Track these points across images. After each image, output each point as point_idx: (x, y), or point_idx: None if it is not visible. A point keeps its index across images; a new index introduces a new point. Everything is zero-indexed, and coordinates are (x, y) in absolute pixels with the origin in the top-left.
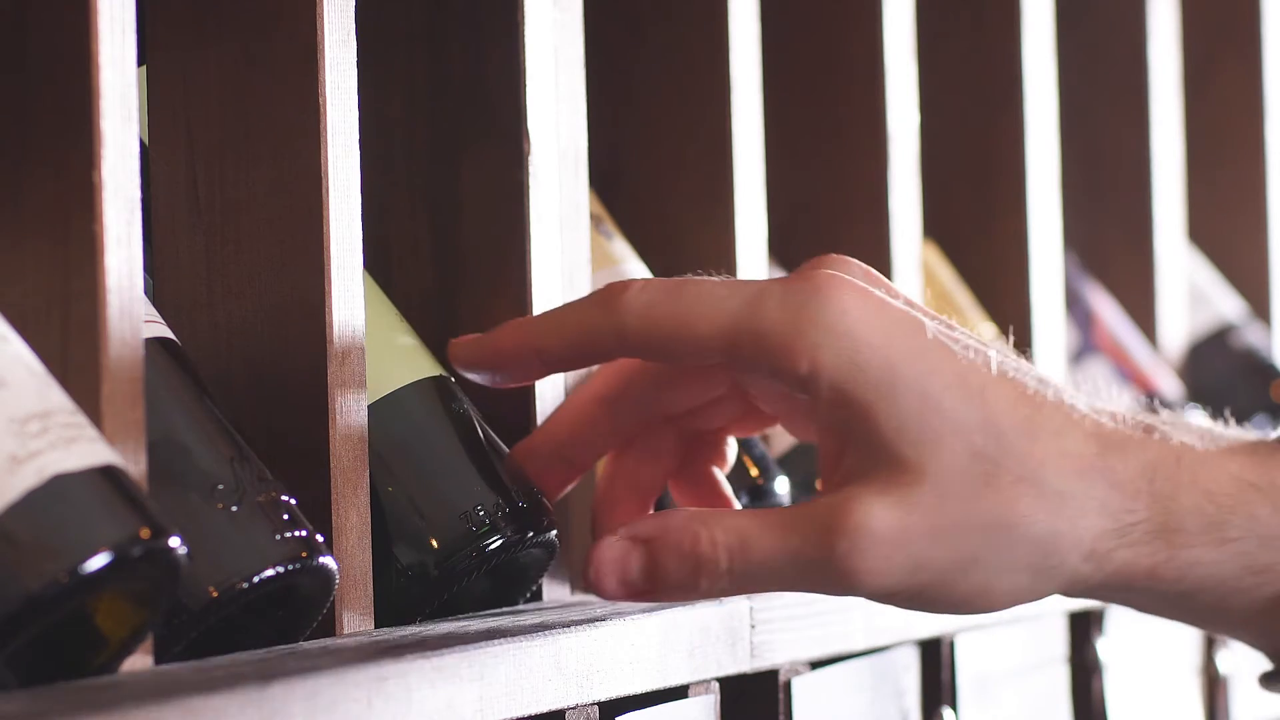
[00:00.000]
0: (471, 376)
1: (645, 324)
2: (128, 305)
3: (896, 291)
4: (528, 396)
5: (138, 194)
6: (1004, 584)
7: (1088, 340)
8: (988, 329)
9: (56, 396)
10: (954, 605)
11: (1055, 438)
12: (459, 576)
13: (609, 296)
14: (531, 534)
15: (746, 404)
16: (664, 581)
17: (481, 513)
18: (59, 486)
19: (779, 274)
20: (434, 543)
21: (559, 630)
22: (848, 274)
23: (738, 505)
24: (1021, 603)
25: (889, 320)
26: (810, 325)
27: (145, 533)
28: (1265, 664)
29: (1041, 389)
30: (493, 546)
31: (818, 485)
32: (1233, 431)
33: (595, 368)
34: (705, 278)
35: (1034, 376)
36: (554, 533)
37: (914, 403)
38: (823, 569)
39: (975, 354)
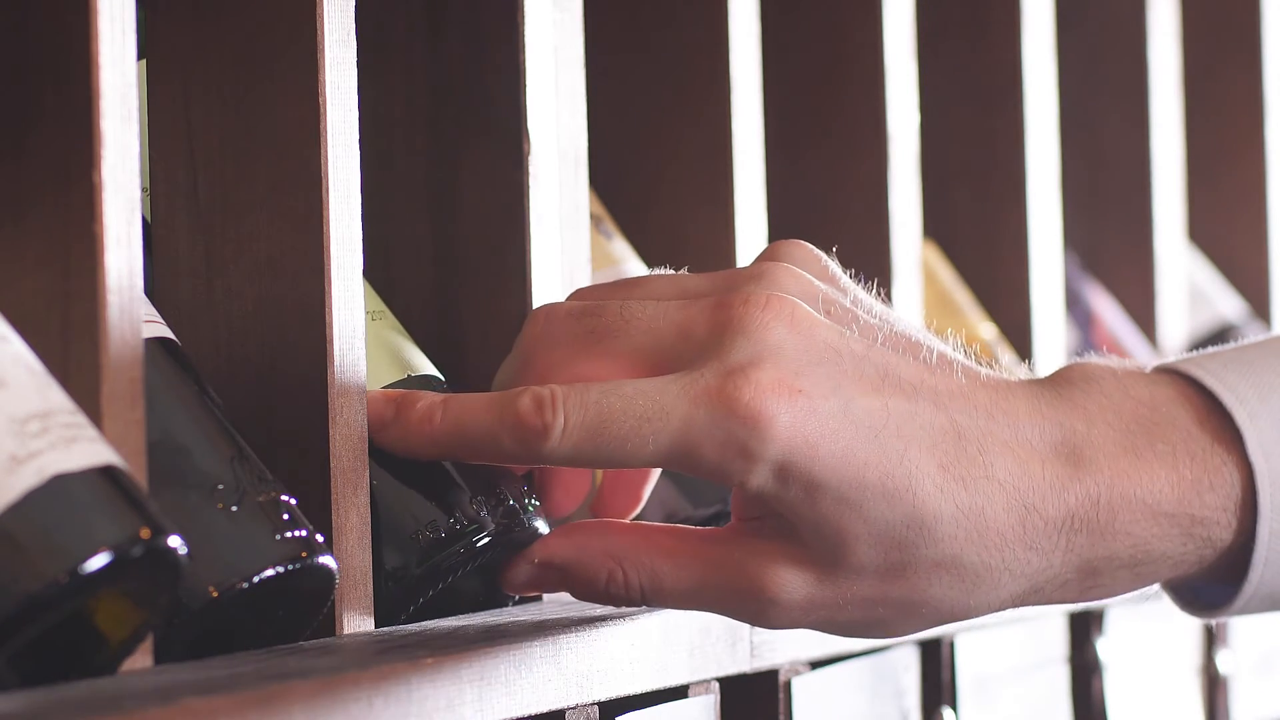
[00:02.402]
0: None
1: (572, 463)
2: (128, 305)
3: (845, 288)
4: None
5: (138, 194)
6: (905, 632)
7: (1088, 340)
8: (988, 329)
9: (56, 396)
10: (855, 638)
11: (978, 517)
12: (446, 573)
13: (527, 436)
14: (519, 531)
15: None
16: (577, 598)
17: (471, 509)
18: (59, 486)
19: None
20: (422, 538)
21: (559, 630)
22: (794, 277)
23: (643, 503)
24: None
25: (819, 431)
26: (738, 456)
27: (145, 533)
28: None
29: (968, 449)
30: (481, 543)
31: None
32: (1158, 405)
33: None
34: (630, 387)
35: (961, 431)
36: (544, 529)
37: (832, 509)
38: (733, 614)
39: (908, 419)
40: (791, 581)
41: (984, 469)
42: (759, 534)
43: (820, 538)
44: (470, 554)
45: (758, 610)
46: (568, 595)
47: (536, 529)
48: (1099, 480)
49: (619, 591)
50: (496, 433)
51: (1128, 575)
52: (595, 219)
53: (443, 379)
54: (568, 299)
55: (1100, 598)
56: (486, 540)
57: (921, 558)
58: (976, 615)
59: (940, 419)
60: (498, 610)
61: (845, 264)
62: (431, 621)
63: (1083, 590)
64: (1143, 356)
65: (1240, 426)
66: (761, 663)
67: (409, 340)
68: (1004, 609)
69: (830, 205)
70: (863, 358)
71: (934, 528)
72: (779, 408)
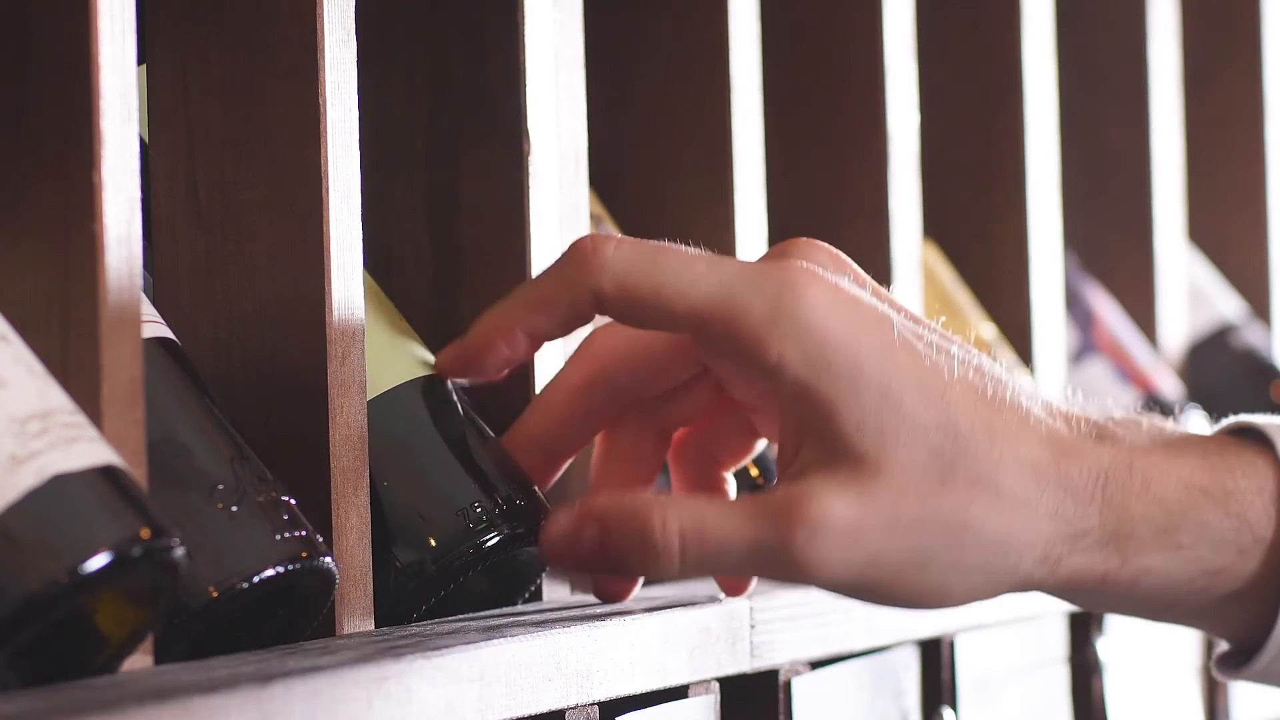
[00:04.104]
0: (468, 380)
1: (621, 290)
2: (128, 305)
3: (864, 279)
4: (526, 392)
5: (138, 194)
6: (959, 583)
7: (1088, 340)
8: (988, 329)
9: (56, 396)
10: (907, 601)
11: (1012, 442)
12: (456, 573)
13: (584, 256)
14: (529, 531)
15: (718, 391)
16: (614, 560)
17: (479, 510)
18: (59, 486)
19: None
20: (431, 540)
21: (559, 630)
22: (817, 261)
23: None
24: (975, 600)
25: (858, 317)
26: (781, 318)
27: (145, 533)
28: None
29: (1000, 392)
30: (490, 544)
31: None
32: (1183, 429)
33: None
34: (682, 247)
35: (993, 378)
36: None
37: (875, 400)
38: (779, 557)
39: (938, 353)
40: (834, 503)
41: (1016, 410)
42: (800, 474)
43: (863, 433)
44: (480, 554)
45: (805, 540)
46: (569, 595)
47: None
48: (1131, 450)
49: (656, 538)
50: (555, 270)
51: (1169, 545)
52: (595, 219)
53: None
54: None
55: (1145, 577)
56: (498, 539)
57: (959, 471)
58: (1019, 553)
59: (973, 358)
60: (498, 610)
61: None
62: (431, 621)
63: (1124, 559)
64: (1143, 357)
65: (1271, 437)
66: (761, 663)
67: (418, 340)
68: (1048, 553)
69: (830, 205)
70: (892, 307)
71: (968, 438)
72: (824, 294)
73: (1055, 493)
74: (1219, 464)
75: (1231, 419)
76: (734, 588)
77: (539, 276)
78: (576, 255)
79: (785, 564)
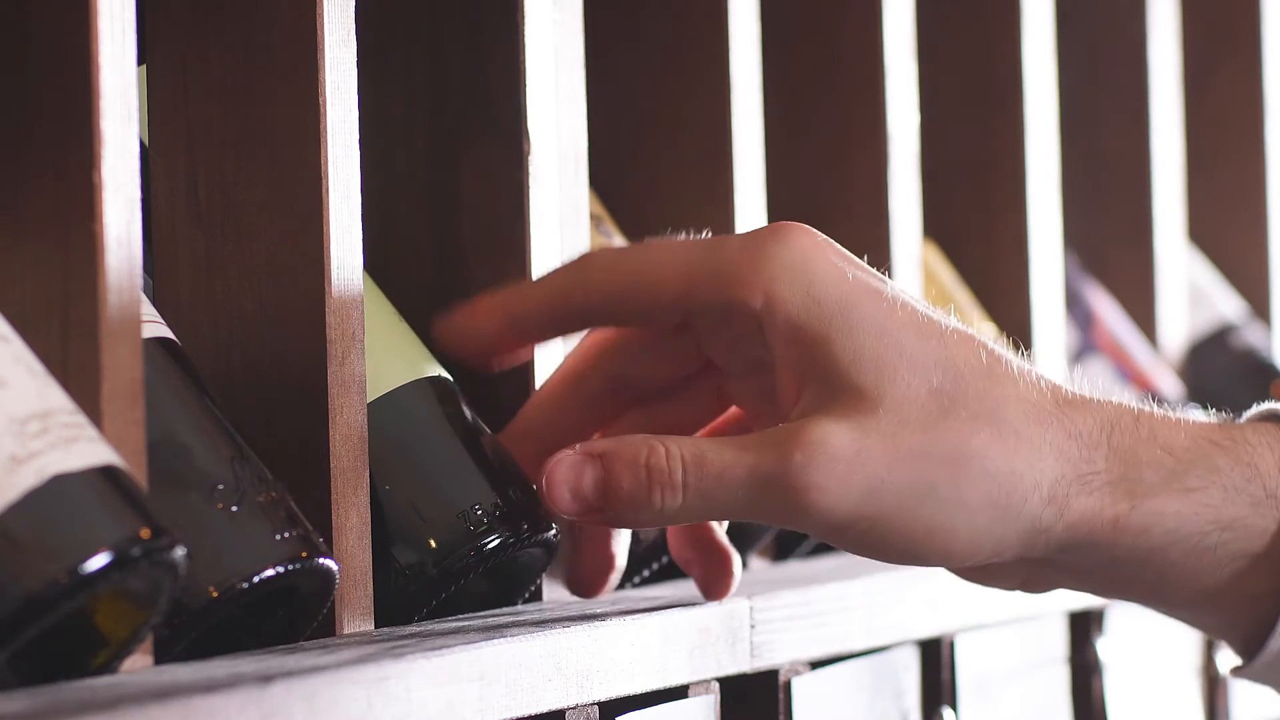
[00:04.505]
0: (462, 360)
1: (610, 275)
2: (128, 305)
3: (858, 262)
4: (526, 392)
5: (138, 194)
6: (964, 523)
7: (1088, 340)
8: (988, 329)
9: (56, 396)
10: (909, 545)
11: (1013, 386)
12: (457, 576)
13: (579, 256)
14: (529, 533)
15: (720, 397)
16: (617, 494)
17: (479, 512)
18: (59, 486)
19: None
20: (432, 542)
21: (559, 630)
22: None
23: (738, 559)
24: (982, 553)
25: (847, 265)
26: (766, 260)
27: (145, 533)
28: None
29: (997, 349)
30: (491, 546)
31: None
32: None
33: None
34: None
35: (990, 341)
36: (553, 532)
37: (871, 337)
38: (777, 484)
39: (933, 312)
40: (833, 430)
41: (1016, 363)
42: (801, 415)
43: (859, 366)
44: (480, 556)
45: (803, 462)
46: (568, 595)
47: (552, 537)
48: (1136, 409)
49: (660, 464)
50: (554, 269)
51: (1179, 488)
52: (595, 219)
53: (450, 378)
54: None
55: (1157, 523)
56: (498, 541)
57: (959, 407)
58: (1025, 491)
59: (967, 327)
60: (498, 610)
61: None
62: (431, 621)
63: (1134, 504)
64: (1143, 357)
65: (1276, 409)
66: (761, 663)
67: (418, 342)
68: (1054, 492)
69: (830, 205)
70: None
71: (968, 377)
72: (815, 245)
73: (1059, 435)
74: (1226, 424)
75: (1251, 410)
76: (714, 588)
77: (539, 276)
78: (573, 257)
79: (783, 491)
